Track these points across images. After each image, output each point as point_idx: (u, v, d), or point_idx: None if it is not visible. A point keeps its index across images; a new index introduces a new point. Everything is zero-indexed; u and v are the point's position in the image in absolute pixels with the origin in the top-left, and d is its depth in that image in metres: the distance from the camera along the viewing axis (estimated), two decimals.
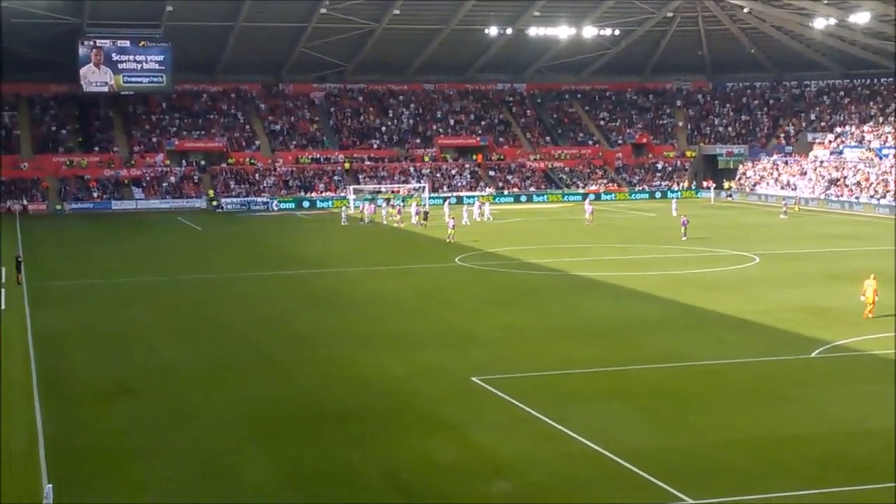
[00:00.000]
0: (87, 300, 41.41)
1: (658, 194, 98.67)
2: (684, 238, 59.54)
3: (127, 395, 26.55)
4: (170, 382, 27.66)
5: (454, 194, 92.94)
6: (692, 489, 18.80)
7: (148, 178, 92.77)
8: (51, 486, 17.41)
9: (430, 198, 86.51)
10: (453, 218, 64.56)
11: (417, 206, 76.89)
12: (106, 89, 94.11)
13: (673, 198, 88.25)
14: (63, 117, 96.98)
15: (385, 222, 74.15)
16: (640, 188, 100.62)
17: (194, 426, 23.63)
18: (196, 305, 40.19)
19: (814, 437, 22.08)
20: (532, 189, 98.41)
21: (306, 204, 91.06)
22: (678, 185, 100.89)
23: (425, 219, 71.83)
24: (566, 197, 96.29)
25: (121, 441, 22.74)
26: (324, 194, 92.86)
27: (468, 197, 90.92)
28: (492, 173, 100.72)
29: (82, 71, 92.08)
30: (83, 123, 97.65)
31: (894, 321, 33.75)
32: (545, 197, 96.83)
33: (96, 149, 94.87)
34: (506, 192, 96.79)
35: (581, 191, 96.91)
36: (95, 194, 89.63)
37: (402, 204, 79.34)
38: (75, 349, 32.03)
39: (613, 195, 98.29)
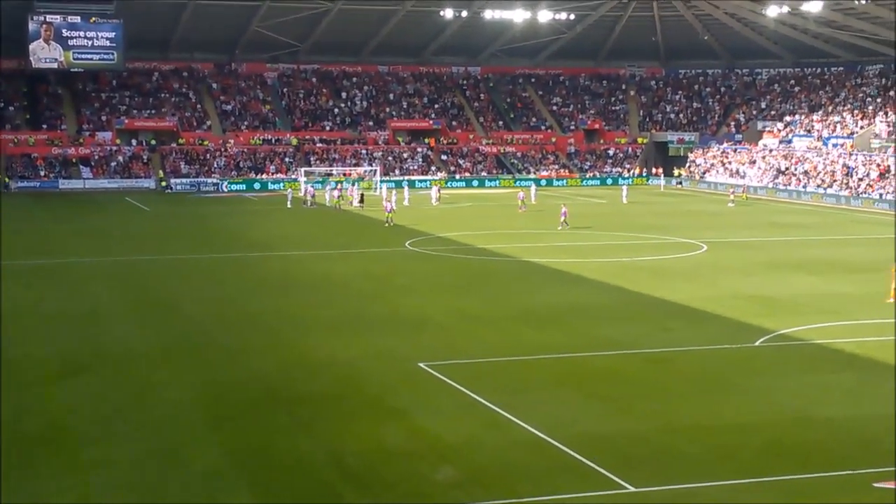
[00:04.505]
0: (35, 280, 40.94)
1: (609, 181, 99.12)
2: (560, 228, 58.44)
3: (75, 376, 26.38)
4: (119, 364, 27.46)
5: (406, 177, 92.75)
6: (635, 477, 19.00)
7: (96, 157, 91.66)
8: None
9: (380, 181, 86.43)
10: (389, 201, 64.65)
11: (339, 189, 76.33)
12: (55, 66, 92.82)
13: (623, 185, 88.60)
14: (10, 93, 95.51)
15: (329, 205, 73.49)
16: (591, 174, 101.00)
17: (143, 409, 23.50)
18: (145, 287, 39.91)
19: (756, 425, 22.34)
20: (484, 174, 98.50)
21: (256, 186, 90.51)
22: (629, 171, 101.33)
23: (361, 201, 71.85)
24: (517, 182, 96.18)
25: (69, 422, 22.58)
26: (275, 176, 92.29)
27: (420, 181, 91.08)
28: (444, 157, 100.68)
29: (31, 46, 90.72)
30: (31, 100, 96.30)
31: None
32: (497, 182, 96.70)
33: (44, 126, 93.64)
34: (457, 177, 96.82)
35: (532, 176, 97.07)
36: (42, 173, 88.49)
37: (352, 186, 78.81)
38: (24, 330, 31.67)
39: (564, 181, 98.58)
